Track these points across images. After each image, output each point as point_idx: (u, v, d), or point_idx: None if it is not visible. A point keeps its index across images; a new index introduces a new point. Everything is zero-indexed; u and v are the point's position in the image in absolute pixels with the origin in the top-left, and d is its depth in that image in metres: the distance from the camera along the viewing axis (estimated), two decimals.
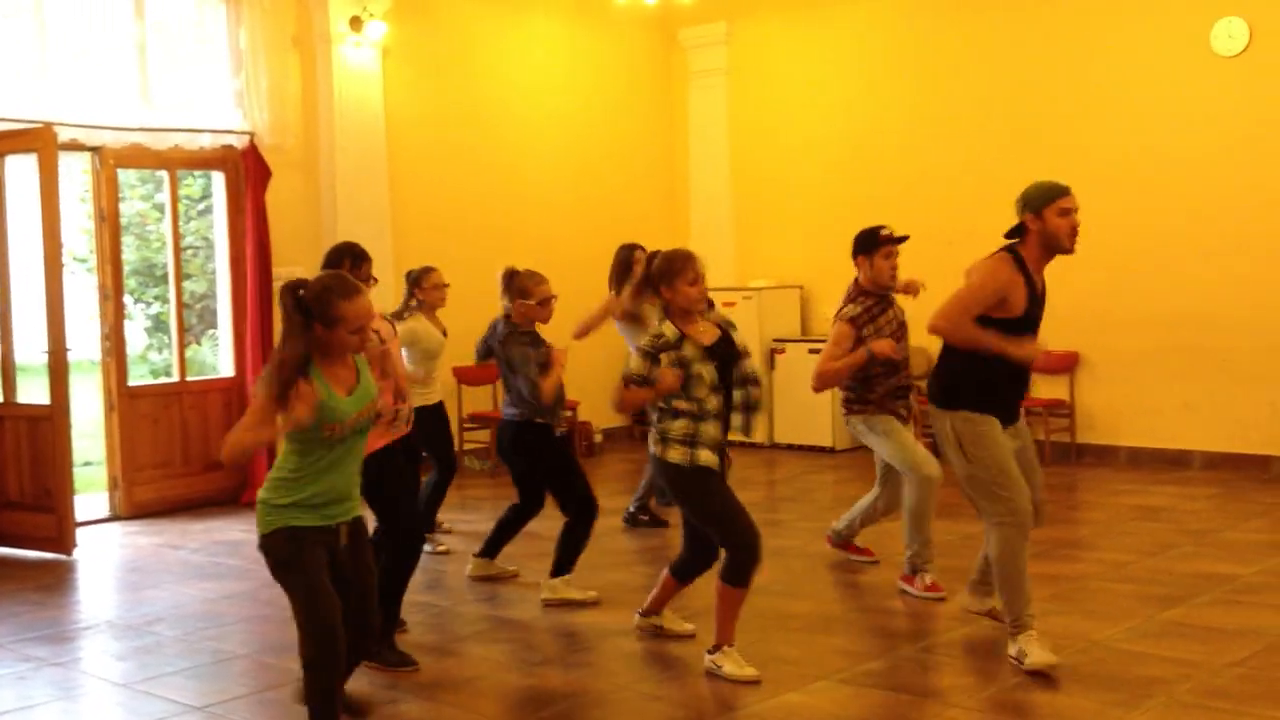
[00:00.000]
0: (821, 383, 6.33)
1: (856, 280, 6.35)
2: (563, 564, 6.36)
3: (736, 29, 11.97)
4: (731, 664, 5.15)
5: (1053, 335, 9.88)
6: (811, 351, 10.98)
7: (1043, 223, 4.95)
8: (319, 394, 4.05)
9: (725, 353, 5.13)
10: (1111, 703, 4.79)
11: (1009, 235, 5.09)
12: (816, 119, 11.57)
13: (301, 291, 4.10)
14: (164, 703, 5.12)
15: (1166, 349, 9.66)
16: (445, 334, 7.54)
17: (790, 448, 11.09)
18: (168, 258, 9.62)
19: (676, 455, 5.07)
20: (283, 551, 4.14)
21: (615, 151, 11.88)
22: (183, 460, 9.25)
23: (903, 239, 6.35)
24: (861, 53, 11.33)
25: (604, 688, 5.20)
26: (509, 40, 11.13)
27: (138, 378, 12.36)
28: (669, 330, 5.06)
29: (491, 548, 6.77)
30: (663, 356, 5.00)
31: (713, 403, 5.05)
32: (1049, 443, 10.07)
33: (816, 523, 7.94)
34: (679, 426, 5.07)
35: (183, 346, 9.69)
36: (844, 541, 6.96)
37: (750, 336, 11.09)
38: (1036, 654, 5.05)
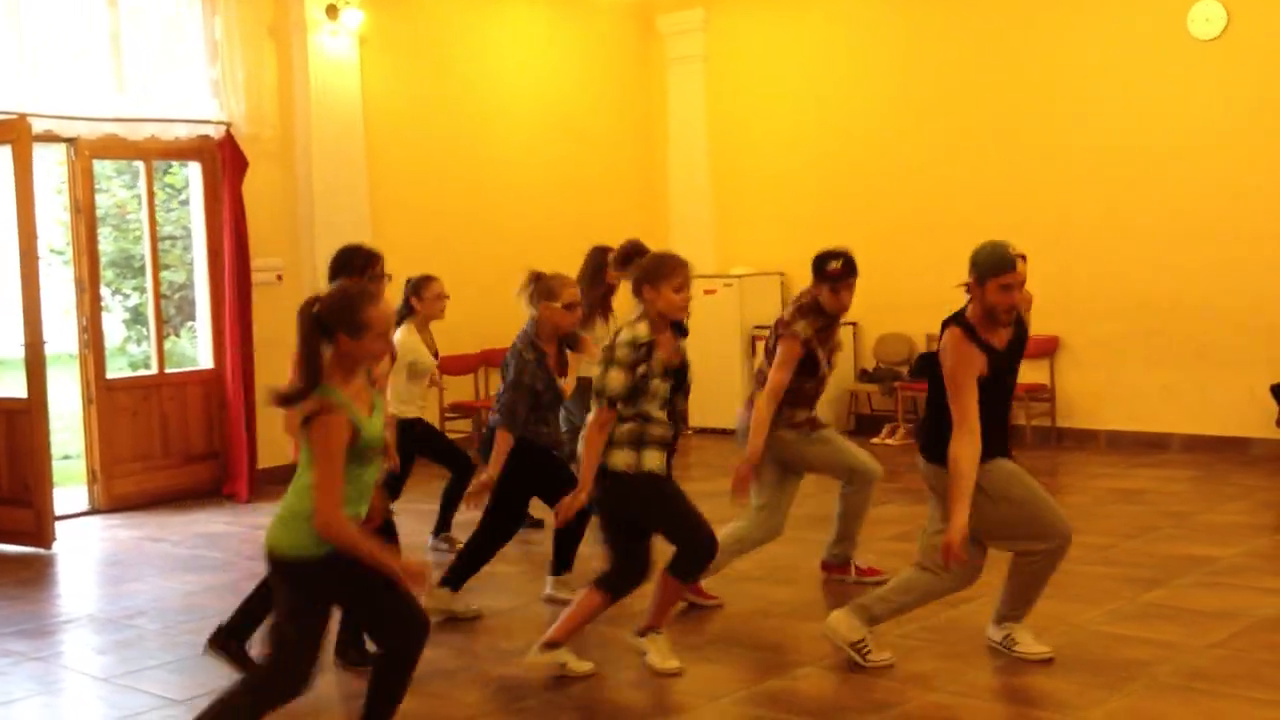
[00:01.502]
0: (769, 408, 5.93)
1: (815, 298, 6.00)
2: (561, 563, 6.25)
3: (714, 15, 11.95)
4: (657, 653, 5.12)
5: (1033, 321, 9.97)
6: None
7: (983, 293, 4.85)
8: (351, 420, 3.84)
9: (679, 379, 5.05)
10: (1093, 685, 4.81)
11: (966, 287, 4.94)
12: (795, 105, 11.56)
13: (316, 308, 3.91)
14: (145, 696, 5.10)
15: (1145, 333, 9.70)
16: (437, 355, 7.13)
17: None
18: (145, 249, 9.56)
19: (622, 460, 4.92)
20: (335, 573, 3.91)
21: (594, 139, 11.85)
22: (162, 453, 9.20)
23: (853, 271, 6.01)
24: (840, 39, 11.32)
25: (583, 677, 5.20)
26: (487, 27, 11.08)
27: (116, 370, 12.31)
28: (643, 331, 4.90)
29: (455, 577, 6.06)
30: (640, 369, 4.85)
31: (658, 415, 4.95)
32: (1029, 427, 10.11)
33: (796, 509, 7.91)
34: (624, 430, 4.92)
35: (161, 338, 9.63)
36: (844, 563, 6.53)
37: (731, 324, 11.22)
38: (1028, 644, 5.08)
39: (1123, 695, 4.69)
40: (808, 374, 5.97)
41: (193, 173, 9.49)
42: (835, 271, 5.91)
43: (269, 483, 9.33)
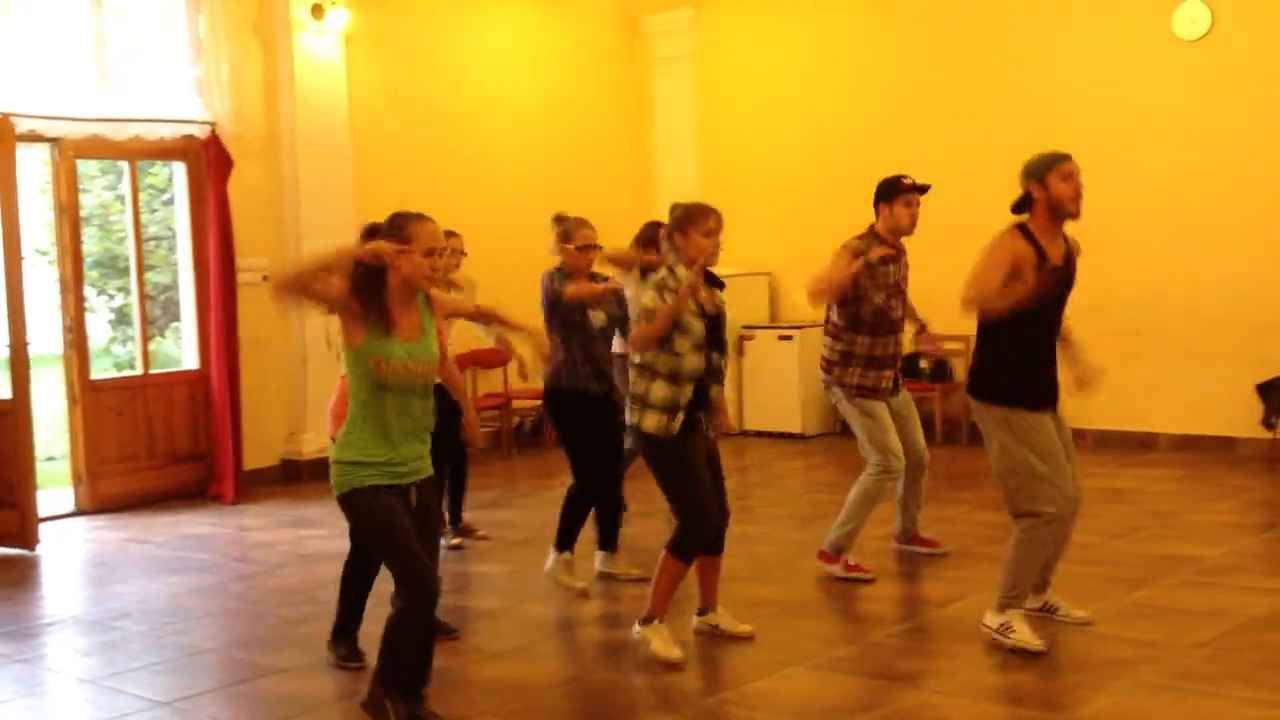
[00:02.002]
0: (816, 293, 6.20)
1: (872, 226, 6.28)
2: (564, 539, 6.31)
3: (702, 15, 11.94)
4: (660, 641, 5.14)
5: None
6: (782, 338, 11.03)
7: (1046, 190, 5.02)
8: (368, 330, 4.15)
9: (715, 331, 5.17)
10: (1079, 684, 4.81)
11: (1015, 209, 5.10)
12: (783, 106, 11.56)
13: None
14: (130, 699, 5.07)
15: (1131, 332, 9.70)
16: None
17: (759, 434, 11.09)
18: (130, 249, 9.52)
19: (652, 424, 5.04)
20: (361, 506, 4.23)
21: (581, 140, 11.83)
22: (147, 454, 9.15)
23: (925, 188, 6.30)
24: (828, 39, 11.32)
25: (573, 674, 5.19)
26: (473, 27, 11.06)
27: (101, 370, 12.26)
28: (681, 272, 5.05)
29: (564, 539, 6.34)
30: (666, 296, 5.00)
31: (692, 361, 5.04)
32: None
33: (786, 509, 7.95)
34: (658, 392, 5.04)
35: (146, 339, 9.58)
36: (911, 536, 6.70)
37: None
38: (1025, 634, 5.10)
39: (1109, 694, 4.70)
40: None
41: (177, 173, 9.45)
42: (882, 188, 6.27)
43: (255, 484, 9.31)
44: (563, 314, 6.18)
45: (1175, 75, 9.54)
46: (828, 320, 6.38)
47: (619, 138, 12.23)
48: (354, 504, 4.25)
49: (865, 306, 6.22)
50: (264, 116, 9.57)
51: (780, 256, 11.55)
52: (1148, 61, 9.65)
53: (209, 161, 9.12)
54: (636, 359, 5.13)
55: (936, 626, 5.63)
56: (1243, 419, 9.32)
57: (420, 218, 4.28)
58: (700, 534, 5.12)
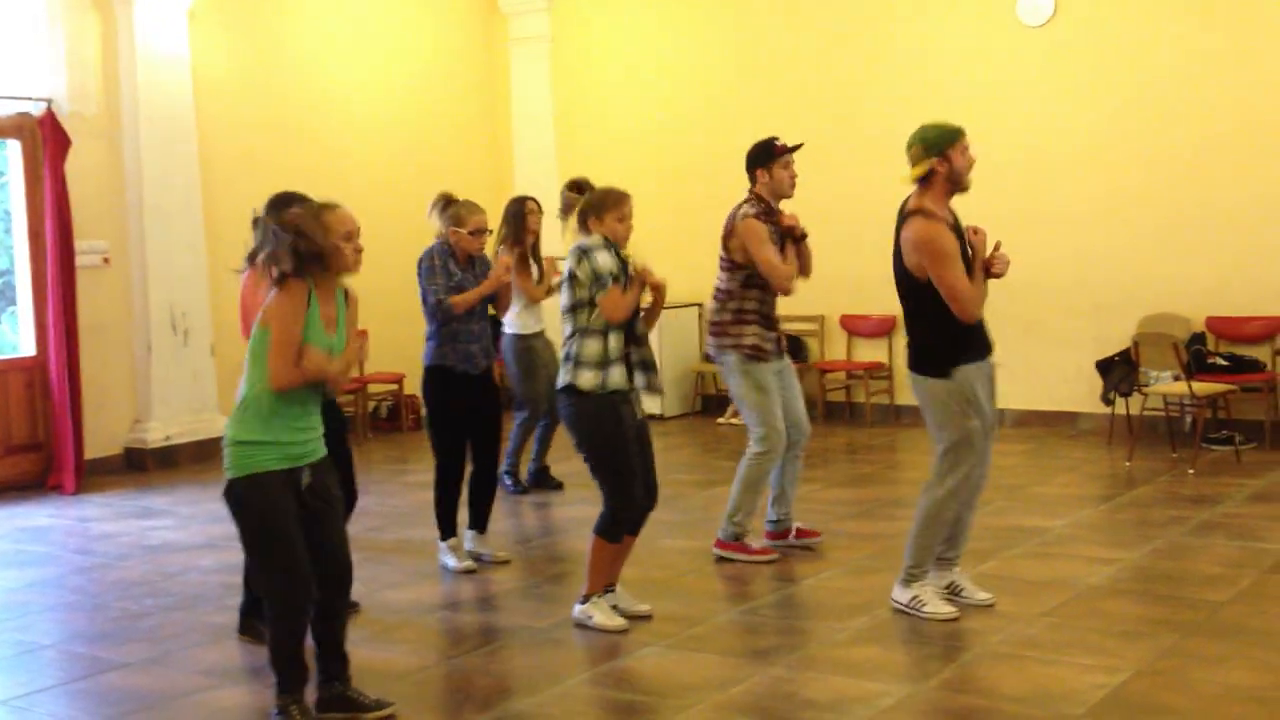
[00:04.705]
0: (789, 284, 6.19)
1: (753, 192, 6.25)
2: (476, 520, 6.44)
3: None
4: (601, 614, 5.24)
5: (871, 301, 10.18)
6: None
7: (949, 163, 5.14)
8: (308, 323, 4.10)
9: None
10: (927, 655, 4.92)
11: (921, 182, 5.18)
12: (641, 85, 11.56)
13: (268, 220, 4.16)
14: None
15: None
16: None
17: None
18: None
19: (587, 380, 5.09)
20: (251, 498, 4.14)
21: (437, 121, 11.67)
22: None
23: (799, 146, 6.34)
24: (685, 19, 11.35)
25: (430, 660, 5.12)
26: (323, 4, 10.80)
27: None
28: (635, 261, 5.23)
29: (447, 527, 6.36)
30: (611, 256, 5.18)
31: (620, 332, 5.15)
32: (869, 404, 10.31)
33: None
34: (591, 348, 5.11)
35: None
36: (786, 529, 6.55)
37: None
38: (936, 604, 5.24)
39: (957, 664, 4.80)
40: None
41: (12, 151, 9.06)
42: (757, 153, 6.32)
43: (96, 473, 9.00)
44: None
45: (1020, 60, 9.80)
46: (717, 288, 6.33)
47: (476, 118, 12.10)
48: (247, 492, 4.15)
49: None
50: (103, 93, 9.23)
51: (638, 236, 11.41)
52: (993, 46, 9.90)
53: (45, 140, 8.77)
54: (568, 326, 5.19)
55: (786, 603, 5.70)
56: (1083, 395, 9.63)
57: (331, 206, 4.26)
58: (627, 514, 5.19)
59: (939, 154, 5.15)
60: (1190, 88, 9.24)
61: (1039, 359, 9.82)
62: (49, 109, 8.79)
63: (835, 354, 10.76)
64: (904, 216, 5.22)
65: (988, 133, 9.90)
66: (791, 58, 10.76)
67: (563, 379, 5.20)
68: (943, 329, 5.15)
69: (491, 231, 6.38)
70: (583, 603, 5.32)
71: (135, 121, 9.30)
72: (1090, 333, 9.58)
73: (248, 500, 4.16)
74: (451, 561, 6.31)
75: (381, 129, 11.19)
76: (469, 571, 6.26)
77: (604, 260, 5.16)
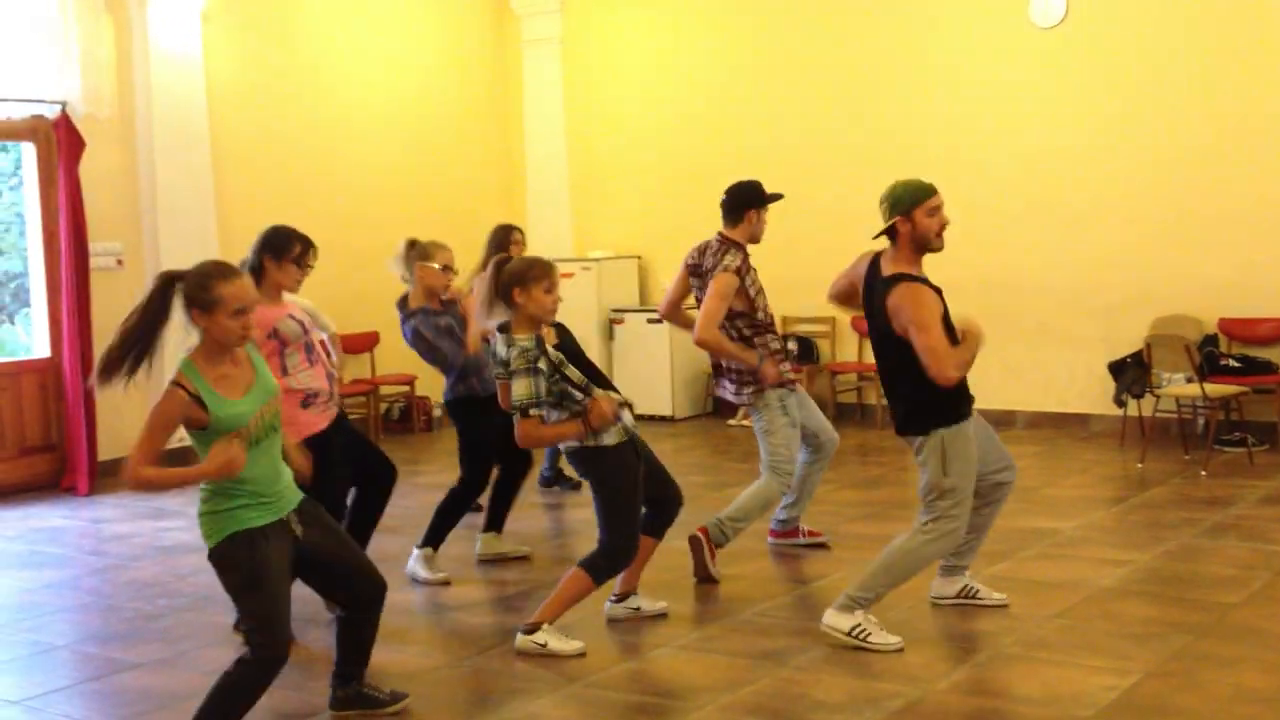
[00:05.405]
0: (707, 340, 6.05)
1: (728, 238, 6.16)
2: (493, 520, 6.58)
3: None
4: (556, 640, 5.08)
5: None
6: (652, 321, 10.99)
7: (913, 225, 4.96)
8: (208, 408, 3.93)
9: (570, 344, 5.06)
10: (939, 656, 4.92)
11: (879, 236, 5.05)
12: (653, 88, 11.57)
13: (179, 284, 3.96)
14: None
15: (987, 314, 9.81)
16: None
17: None
18: None
19: (614, 435, 4.96)
20: (239, 557, 3.93)
21: (449, 122, 11.71)
22: None
23: (779, 196, 6.30)
24: (698, 21, 11.36)
25: (441, 660, 5.14)
26: (335, 5, 10.84)
27: None
28: (524, 339, 4.86)
29: (434, 536, 6.35)
30: (541, 364, 4.84)
31: (579, 396, 4.94)
32: (881, 406, 10.31)
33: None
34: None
35: None
36: (793, 529, 6.59)
37: (589, 307, 11.17)
38: (880, 635, 4.99)
39: (968, 666, 4.81)
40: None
41: (26, 154, 9.11)
42: (748, 196, 6.22)
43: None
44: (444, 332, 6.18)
45: (1032, 61, 9.79)
46: (730, 339, 6.17)
47: (487, 120, 12.13)
48: (229, 549, 3.94)
49: (758, 312, 6.20)
50: (117, 96, 9.27)
51: (650, 238, 11.58)
52: (1005, 48, 9.89)
53: (60, 142, 8.81)
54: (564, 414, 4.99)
55: (797, 605, 5.70)
56: (1095, 397, 9.61)
57: (228, 276, 3.97)
58: (621, 562, 5.12)
59: (903, 213, 4.96)
60: (1201, 89, 9.23)
61: (1051, 361, 9.81)
62: (63, 111, 8.82)
63: (846, 355, 10.77)
64: (885, 283, 5.00)
65: (1000, 134, 9.95)
66: (803, 60, 10.76)
67: (585, 442, 5.00)
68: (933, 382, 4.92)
69: (457, 272, 6.29)
70: (530, 632, 5.08)
71: (149, 124, 9.34)
72: (1102, 334, 9.56)
73: (230, 555, 3.95)
74: (424, 573, 6.21)
75: (394, 130, 11.22)
76: (444, 584, 6.18)
77: (522, 386, 4.84)
